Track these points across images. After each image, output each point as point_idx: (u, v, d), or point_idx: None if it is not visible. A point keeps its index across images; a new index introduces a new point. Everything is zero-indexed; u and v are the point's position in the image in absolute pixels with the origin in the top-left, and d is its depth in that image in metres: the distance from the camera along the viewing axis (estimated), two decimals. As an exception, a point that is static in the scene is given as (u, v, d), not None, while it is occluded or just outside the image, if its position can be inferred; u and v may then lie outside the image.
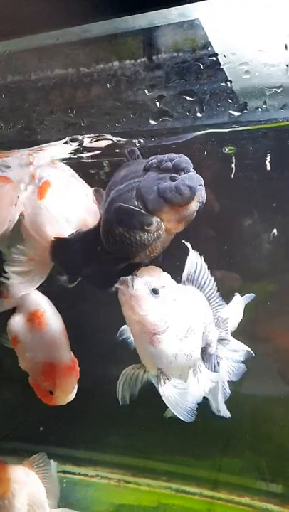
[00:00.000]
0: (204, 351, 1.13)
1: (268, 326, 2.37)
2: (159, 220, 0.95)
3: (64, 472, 2.60)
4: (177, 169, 0.94)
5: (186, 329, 1.04)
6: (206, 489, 2.38)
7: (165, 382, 1.02)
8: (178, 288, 1.07)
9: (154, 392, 1.22)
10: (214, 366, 1.14)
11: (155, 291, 1.01)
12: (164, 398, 1.02)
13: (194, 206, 0.95)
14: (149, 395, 1.20)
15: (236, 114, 0.93)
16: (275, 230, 1.83)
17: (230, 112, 0.94)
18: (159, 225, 0.95)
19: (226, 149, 1.38)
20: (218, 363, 1.16)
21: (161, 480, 2.47)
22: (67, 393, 1.24)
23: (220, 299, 1.20)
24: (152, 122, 0.97)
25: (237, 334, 1.39)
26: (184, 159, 0.95)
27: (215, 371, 1.14)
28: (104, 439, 2.56)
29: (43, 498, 1.63)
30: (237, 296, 1.37)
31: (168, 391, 1.02)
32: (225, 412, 1.23)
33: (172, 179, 0.93)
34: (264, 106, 0.93)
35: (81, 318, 1.98)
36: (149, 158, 0.99)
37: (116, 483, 2.51)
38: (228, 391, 1.22)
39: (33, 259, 1.21)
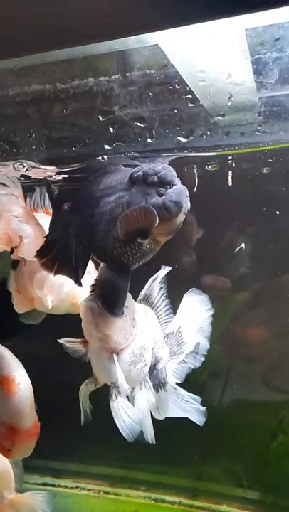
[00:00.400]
0: (153, 367, 1.17)
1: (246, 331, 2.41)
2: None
3: (44, 484, 2.60)
4: (163, 183, 0.96)
5: (141, 347, 1.09)
6: (185, 498, 2.40)
7: (117, 398, 1.05)
8: (136, 307, 1.12)
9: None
10: (160, 383, 1.18)
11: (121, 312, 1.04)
12: (112, 412, 1.06)
13: (181, 218, 0.98)
14: None
15: (183, 140, 0.98)
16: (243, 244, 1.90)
17: (178, 138, 0.99)
18: (151, 239, 0.99)
19: (209, 167, 1.42)
20: (164, 381, 1.20)
21: (140, 490, 2.49)
22: (25, 454, 1.28)
23: (170, 315, 1.24)
24: (107, 147, 1.01)
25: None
26: (168, 172, 0.97)
27: (160, 388, 1.18)
28: (84, 451, 2.57)
29: (11, 480, 1.61)
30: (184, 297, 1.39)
31: (118, 406, 1.05)
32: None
33: (159, 194, 0.96)
34: (208, 133, 0.98)
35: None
36: (134, 169, 1.00)
37: (95, 494, 2.52)
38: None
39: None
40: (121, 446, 2.42)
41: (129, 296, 1.09)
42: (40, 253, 1.11)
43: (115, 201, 0.99)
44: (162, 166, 0.98)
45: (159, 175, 0.96)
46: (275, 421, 2.30)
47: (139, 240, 0.99)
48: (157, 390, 1.19)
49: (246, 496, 2.33)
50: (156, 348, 1.17)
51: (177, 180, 0.98)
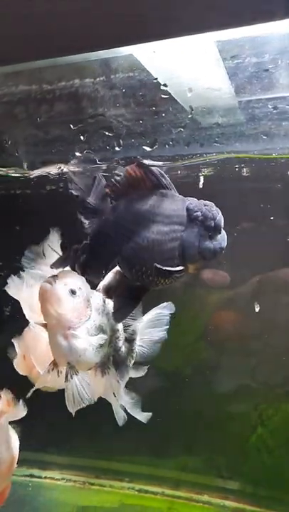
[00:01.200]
0: (113, 358, 1.25)
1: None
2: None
3: (31, 476, 2.67)
4: (216, 230, 1.05)
5: (96, 327, 1.16)
6: (168, 488, 2.48)
7: (72, 377, 1.13)
8: (91, 292, 1.19)
9: None
10: (120, 374, 1.26)
11: (73, 292, 1.12)
12: (66, 390, 1.12)
13: None
14: None
15: (148, 149, 1.05)
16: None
17: (143, 147, 1.05)
18: (187, 272, 1.08)
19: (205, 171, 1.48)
20: (123, 372, 1.27)
21: (124, 481, 2.57)
22: None
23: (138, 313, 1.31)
24: (77, 154, 1.07)
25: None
26: (222, 219, 1.05)
27: (122, 378, 1.25)
28: (70, 443, 2.64)
29: None
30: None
31: (71, 386, 1.13)
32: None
33: (210, 237, 1.04)
34: (171, 143, 1.05)
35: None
36: (192, 206, 1.05)
37: (81, 485, 2.60)
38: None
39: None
40: (106, 439, 2.52)
41: (83, 279, 1.16)
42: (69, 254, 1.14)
43: (169, 234, 1.05)
44: (216, 209, 1.06)
45: (216, 221, 1.04)
46: (254, 414, 2.38)
47: (176, 275, 1.06)
48: (118, 380, 1.27)
49: (226, 486, 2.42)
50: (114, 337, 1.25)
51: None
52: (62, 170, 1.29)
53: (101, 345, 1.17)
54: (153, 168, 1.05)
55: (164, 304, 1.42)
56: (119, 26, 0.87)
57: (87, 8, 0.89)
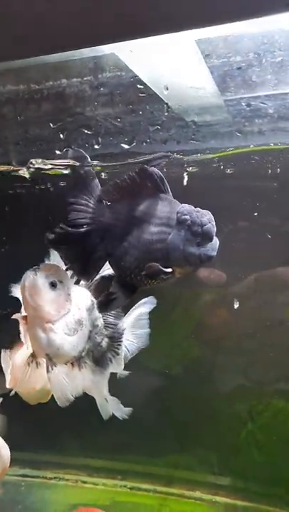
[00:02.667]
0: (92, 353, 1.27)
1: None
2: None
3: (23, 476, 2.68)
4: (205, 237, 1.04)
5: (76, 321, 1.18)
6: (160, 485, 2.51)
7: (52, 368, 1.15)
8: (73, 286, 1.21)
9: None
10: (99, 369, 1.28)
11: (53, 285, 1.14)
12: (50, 383, 1.15)
13: None
14: None
15: (126, 146, 1.07)
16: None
17: (122, 144, 1.07)
18: (174, 274, 1.08)
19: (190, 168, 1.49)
20: (102, 367, 1.29)
21: (117, 479, 2.59)
22: None
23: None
24: (58, 152, 1.09)
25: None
26: (212, 228, 1.05)
27: (99, 373, 1.28)
28: (63, 442, 2.65)
29: None
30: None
31: (53, 377, 1.15)
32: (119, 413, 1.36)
33: (198, 244, 1.04)
34: (148, 140, 1.07)
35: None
36: (182, 210, 1.06)
37: (73, 483, 2.61)
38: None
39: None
40: (99, 438, 2.54)
41: (65, 272, 1.18)
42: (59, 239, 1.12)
43: (157, 235, 1.07)
44: (208, 218, 1.06)
45: (204, 228, 1.04)
46: (245, 410, 2.41)
47: (162, 276, 1.08)
48: (98, 375, 1.29)
49: (218, 482, 2.45)
50: (94, 332, 1.27)
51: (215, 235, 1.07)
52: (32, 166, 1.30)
53: (79, 340, 1.20)
54: (154, 173, 1.06)
55: (144, 299, 1.43)
56: (101, 24, 0.88)
57: (65, 6, 0.91)
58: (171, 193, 1.09)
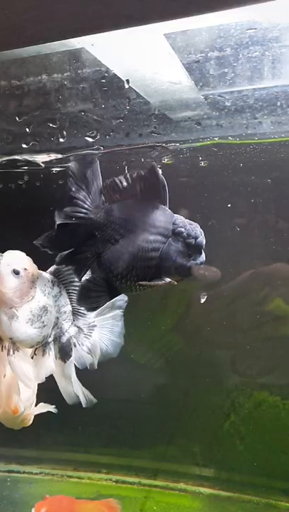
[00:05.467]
0: (58, 338, 1.29)
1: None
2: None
3: (9, 471, 2.70)
4: (196, 250, 1.08)
5: (40, 308, 1.21)
6: (144, 478, 2.54)
7: (14, 353, 1.18)
8: (38, 273, 1.24)
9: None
10: (65, 355, 1.31)
11: (16, 272, 1.18)
12: (11, 367, 1.18)
13: None
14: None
15: (90, 140, 1.09)
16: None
17: (86, 138, 1.10)
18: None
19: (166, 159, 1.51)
20: (70, 353, 1.32)
21: (102, 472, 2.62)
22: None
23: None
24: (24, 146, 1.11)
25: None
26: (203, 240, 1.08)
27: (64, 359, 1.30)
28: (47, 437, 2.67)
29: None
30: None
31: (15, 361, 1.18)
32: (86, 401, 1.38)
33: (189, 255, 1.08)
34: (111, 133, 1.09)
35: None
36: (178, 222, 1.09)
37: (59, 478, 2.64)
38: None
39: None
40: (83, 432, 2.56)
41: (29, 260, 1.20)
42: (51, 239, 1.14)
43: (152, 243, 1.08)
44: (200, 231, 1.09)
45: (197, 240, 1.07)
46: (227, 402, 2.45)
47: (151, 284, 1.10)
48: (64, 361, 1.31)
49: (202, 474, 2.49)
50: (61, 319, 1.29)
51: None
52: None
53: (44, 326, 1.22)
54: (159, 181, 1.07)
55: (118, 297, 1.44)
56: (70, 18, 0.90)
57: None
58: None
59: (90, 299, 1.20)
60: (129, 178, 1.09)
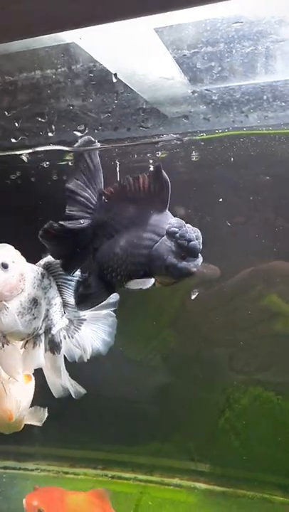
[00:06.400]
0: (48, 330, 1.30)
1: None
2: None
3: (5, 468, 2.72)
4: (189, 252, 1.06)
5: (30, 300, 1.22)
6: (140, 473, 2.56)
7: (4, 346, 1.19)
8: (27, 266, 1.25)
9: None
10: (54, 347, 1.32)
11: (4, 266, 1.18)
12: (0, 359, 1.19)
13: None
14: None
15: (79, 134, 1.10)
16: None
17: (74, 132, 1.10)
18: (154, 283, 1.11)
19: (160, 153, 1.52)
20: (59, 346, 1.33)
21: (98, 468, 2.64)
22: None
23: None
24: (13, 140, 1.11)
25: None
26: (198, 245, 1.07)
27: (54, 351, 1.31)
28: (43, 433, 2.68)
29: None
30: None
31: (4, 354, 1.19)
32: (76, 391, 1.39)
33: (181, 257, 1.06)
34: (100, 127, 1.10)
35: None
36: (174, 223, 1.08)
37: (55, 474, 2.66)
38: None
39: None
40: (79, 428, 2.57)
41: (17, 253, 1.21)
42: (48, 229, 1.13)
43: (144, 240, 1.08)
44: (196, 235, 1.08)
45: (190, 243, 1.06)
46: (222, 398, 2.46)
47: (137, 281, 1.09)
48: (53, 353, 1.32)
49: (197, 469, 2.50)
50: (51, 311, 1.30)
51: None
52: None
53: (34, 318, 1.23)
54: (163, 183, 1.07)
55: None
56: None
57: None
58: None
59: (87, 301, 1.20)
60: (133, 177, 1.09)
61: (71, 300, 1.33)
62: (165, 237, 1.07)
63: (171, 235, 1.07)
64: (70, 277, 1.31)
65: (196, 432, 2.52)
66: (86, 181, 1.12)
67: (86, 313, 1.40)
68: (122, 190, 1.10)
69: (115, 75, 1.01)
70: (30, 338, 1.28)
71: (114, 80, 1.02)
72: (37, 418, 1.65)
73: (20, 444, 2.75)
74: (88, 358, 1.39)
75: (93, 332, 1.43)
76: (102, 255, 1.13)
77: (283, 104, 1.11)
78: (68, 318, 1.38)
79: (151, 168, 1.09)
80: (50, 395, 1.39)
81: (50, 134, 1.12)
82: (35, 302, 1.24)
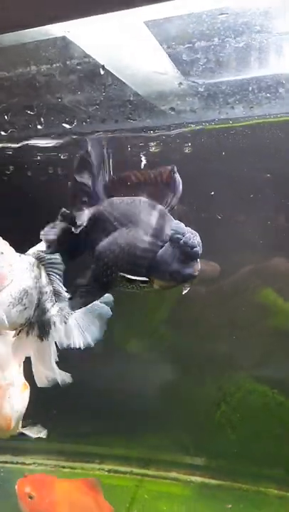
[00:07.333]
0: (40, 317, 1.32)
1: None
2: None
3: (3, 462, 2.74)
4: (191, 258, 1.09)
5: (20, 290, 1.23)
6: (137, 467, 2.58)
7: None
8: (16, 256, 1.26)
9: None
10: (43, 334, 1.33)
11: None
12: None
13: None
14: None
15: (68, 126, 1.11)
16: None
17: (63, 124, 1.11)
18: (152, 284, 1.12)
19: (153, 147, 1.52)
20: (47, 332, 1.34)
21: (95, 462, 2.66)
22: None
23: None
24: (2, 133, 1.12)
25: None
26: (200, 251, 1.09)
27: (42, 338, 1.33)
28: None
29: None
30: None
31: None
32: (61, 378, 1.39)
33: (184, 263, 1.08)
34: (88, 119, 1.11)
35: None
36: (177, 227, 1.09)
37: (52, 469, 2.68)
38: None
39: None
40: (76, 423, 2.58)
41: (5, 243, 1.22)
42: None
43: (148, 244, 1.09)
44: (197, 240, 1.10)
45: (194, 250, 1.08)
46: (219, 392, 2.48)
47: (140, 284, 1.11)
48: (41, 340, 1.34)
49: (193, 463, 2.52)
50: (42, 299, 1.32)
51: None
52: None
53: (25, 308, 1.25)
54: (173, 185, 1.07)
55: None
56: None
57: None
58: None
59: (80, 298, 1.20)
60: (142, 174, 1.08)
61: (62, 288, 1.35)
62: (169, 243, 1.09)
63: (175, 241, 1.09)
64: (60, 266, 1.33)
65: (192, 426, 2.53)
66: (91, 172, 1.11)
67: None
68: (126, 185, 1.10)
69: (103, 66, 1.02)
70: (23, 328, 1.30)
71: (102, 72, 1.02)
72: (34, 432, 1.67)
73: (16, 439, 2.76)
74: (77, 346, 1.40)
75: (84, 322, 1.42)
76: (101, 255, 1.13)
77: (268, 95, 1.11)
78: (59, 307, 1.39)
79: (163, 169, 1.08)
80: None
81: (39, 127, 1.13)
82: (25, 292, 1.25)
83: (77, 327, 1.39)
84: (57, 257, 1.29)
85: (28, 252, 1.30)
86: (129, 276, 1.08)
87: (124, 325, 2.46)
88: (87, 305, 1.27)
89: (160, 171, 1.07)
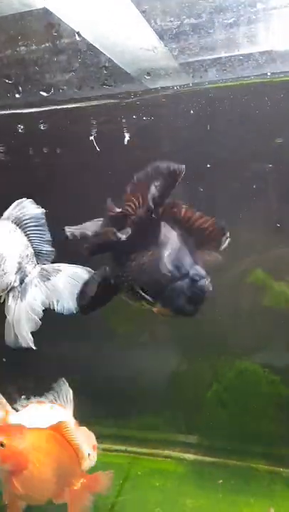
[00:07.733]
0: (22, 280, 1.34)
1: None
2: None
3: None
4: (194, 301, 1.17)
5: None
6: (131, 446, 2.62)
7: None
8: None
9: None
10: (21, 295, 1.35)
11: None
12: None
13: None
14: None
15: (45, 94, 1.12)
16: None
17: (41, 92, 1.12)
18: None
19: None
20: (24, 295, 1.36)
21: (90, 441, 2.68)
22: None
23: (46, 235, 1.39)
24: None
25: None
26: (204, 295, 1.16)
27: (22, 299, 1.35)
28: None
29: None
30: None
31: None
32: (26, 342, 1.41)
33: (189, 301, 1.17)
34: (64, 87, 1.11)
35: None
36: (197, 271, 1.17)
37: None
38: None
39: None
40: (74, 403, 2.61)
41: None
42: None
43: (169, 272, 1.16)
44: (208, 285, 1.17)
45: (200, 295, 1.17)
46: (210, 372, 2.50)
47: (144, 302, 1.21)
48: (21, 300, 1.36)
49: (186, 441, 2.56)
50: (23, 263, 1.34)
51: None
52: None
53: (5, 273, 1.27)
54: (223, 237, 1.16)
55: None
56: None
57: None
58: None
59: (89, 302, 1.31)
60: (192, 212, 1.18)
61: (44, 248, 1.37)
62: (187, 280, 1.15)
63: (192, 281, 1.15)
64: (40, 223, 1.34)
65: (185, 406, 2.57)
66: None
67: (61, 265, 1.43)
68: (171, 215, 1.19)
69: (78, 33, 1.03)
70: (7, 293, 1.32)
71: (79, 38, 1.03)
72: None
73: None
74: (57, 308, 1.41)
75: (66, 284, 1.43)
76: (123, 266, 1.22)
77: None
78: (42, 268, 1.41)
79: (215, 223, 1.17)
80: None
81: (17, 96, 1.14)
82: (2, 258, 1.27)
83: (60, 287, 1.40)
84: (34, 214, 1.32)
85: (3, 216, 1.31)
86: (141, 292, 1.15)
87: (117, 306, 2.48)
88: (94, 310, 1.33)
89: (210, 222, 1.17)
